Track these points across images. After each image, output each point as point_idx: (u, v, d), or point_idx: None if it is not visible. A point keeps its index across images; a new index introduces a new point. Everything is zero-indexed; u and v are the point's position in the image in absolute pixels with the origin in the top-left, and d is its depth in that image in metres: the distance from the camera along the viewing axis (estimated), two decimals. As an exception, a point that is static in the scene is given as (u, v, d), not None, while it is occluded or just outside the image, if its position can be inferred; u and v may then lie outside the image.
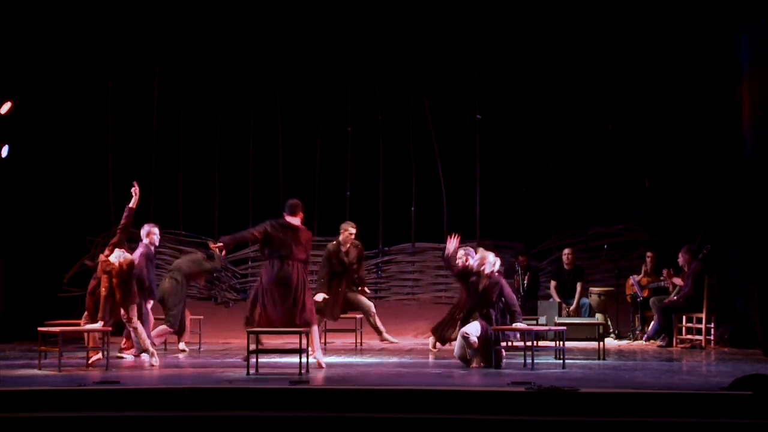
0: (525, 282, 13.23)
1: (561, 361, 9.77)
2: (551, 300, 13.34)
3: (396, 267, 15.11)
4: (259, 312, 9.46)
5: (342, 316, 12.00)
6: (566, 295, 13.30)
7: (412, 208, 14.89)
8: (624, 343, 13.03)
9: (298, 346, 9.07)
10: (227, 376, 8.81)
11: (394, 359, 10.59)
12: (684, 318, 12.29)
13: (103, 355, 9.92)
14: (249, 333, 9.48)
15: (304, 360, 8.97)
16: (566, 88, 14.86)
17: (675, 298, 12.44)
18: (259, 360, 9.23)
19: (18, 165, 12.82)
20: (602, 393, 7.53)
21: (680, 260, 12.61)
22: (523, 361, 9.88)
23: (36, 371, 9.29)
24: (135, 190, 10.10)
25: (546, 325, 12.04)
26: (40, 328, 9.71)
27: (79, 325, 10.30)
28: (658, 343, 12.40)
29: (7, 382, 8.25)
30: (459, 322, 10.29)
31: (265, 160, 15.09)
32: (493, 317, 9.77)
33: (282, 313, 9.39)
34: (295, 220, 9.67)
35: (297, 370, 8.94)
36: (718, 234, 13.20)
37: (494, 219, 15.06)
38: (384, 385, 8.30)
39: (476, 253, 10.16)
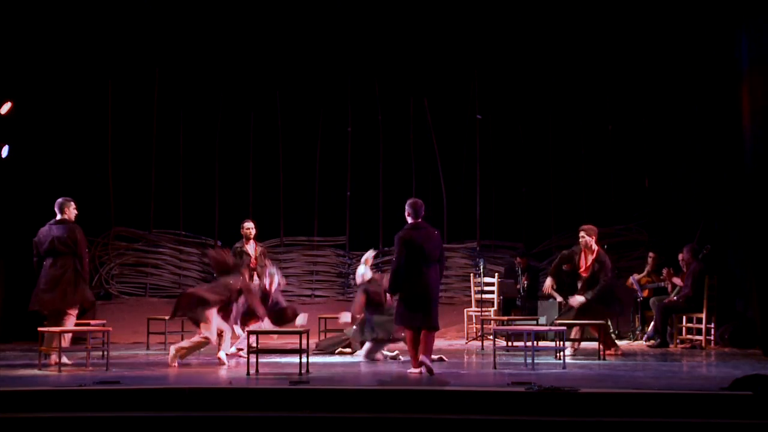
0: (525, 282, 13.22)
1: (561, 361, 9.77)
2: (551, 300, 13.33)
3: (396, 267, 15.10)
4: None
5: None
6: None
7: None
8: (624, 343, 13.02)
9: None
10: (227, 376, 8.82)
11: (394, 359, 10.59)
12: (684, 318, 12.29)
13: (103, 354, 9.93)
14: (249, 333, 9.49)
15: (304, 360, 8.98)
16: (566, 88, 14.86)
17: (675, 298, 12.44)
18: (259, 360, 9.24)
19: (18, 165, 12.83)
20: (602, 393, 7.54)
21: (681, 259, 12.61)
22: (523, 360, 9.89)
23: (36, 371, 9.30)
24: None
25: (546, 325, 12.04)
26: (40, 328, 9.72)
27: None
28: (650, 342, 12.41)
29: (7, 382, 8.26)
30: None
31: (265, 160, 15.08)
32: None
33: None
34: None
35: (297, 370, 8.94)
36: (718, 234, 13.20)
37: (494, 219, 15.06)
38: (384, 386, 8.31)
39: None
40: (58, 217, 10.09)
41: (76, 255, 10.01)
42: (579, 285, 11.11)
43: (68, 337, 9.89)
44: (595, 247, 11.06)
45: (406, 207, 9.40)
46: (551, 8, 14.35)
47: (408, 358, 9.76)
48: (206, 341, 9.86)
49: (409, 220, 9.36)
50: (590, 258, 11.04)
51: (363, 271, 10.96)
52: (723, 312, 12.34)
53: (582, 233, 11.11)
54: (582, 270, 11.08)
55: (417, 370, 9.07)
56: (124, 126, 14.67)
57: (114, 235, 14.62)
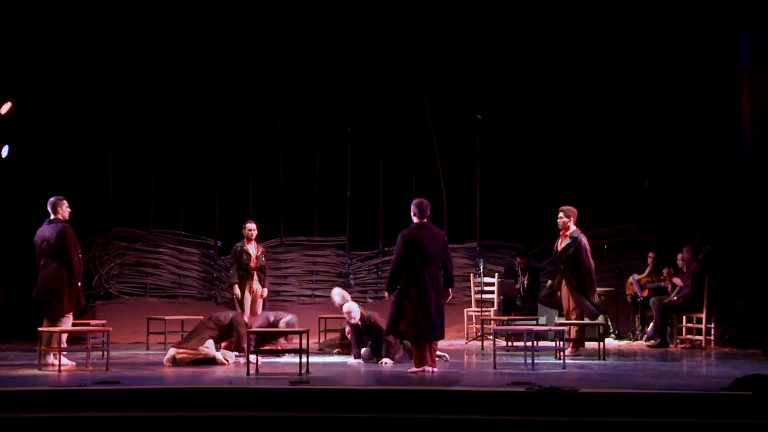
0: (525, 282, 13.21)
1: (561, 361, 9.77)
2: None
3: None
4: None
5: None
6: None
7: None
8: (624, 343, 13.03)
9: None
10: (227, 376, 8.82)
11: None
12: (684, 318, 12.29)
13: (103, 354, 9.94)
14: (248, 333, 9.49)
15: (304, 360, 8.97)
16: (566, 88, 14.86)
17: (675, 298, 12.44)
18: (259, 360, 9.25)
19: (18, 165, 12.83)
20: (602, 393, 7.53)
21: (680, 260, 12.61)
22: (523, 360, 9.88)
23: (36, 371, 9.30)
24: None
25: (546, 325, 12.03)
26: (40, 328, 9.71)
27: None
28: (650, 342, 12.41)
29: (7, 382, 8.26)
30: None
31: (265, 160, 15.08)
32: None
33: None
34: None
35: (297, 370, 8.94)
36: (718, 234, 13.21)
37: (494, 219, 15.06)
38: (384, 386, 8.31)
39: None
40: (51, 216, 10.02)
41: (64, 256, 9.87)
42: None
43: (65, 337, 9.84)
44: (573, 227, 11.01)
45: (412, 206, 9.34)
46: (551, 8, 14.36)
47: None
48: (206, 355, 9.90)
49: (415, 219, 9.31)
50: (566, 237, 11.00)
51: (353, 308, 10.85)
52: (723, 312, 12.34)
53: (561, 214, 11.09)
54: (559, 251, 11.06)
55: (418, 370, 9.07)
56: (124, 126, 14.67)
57: (114, 235, 14.61)
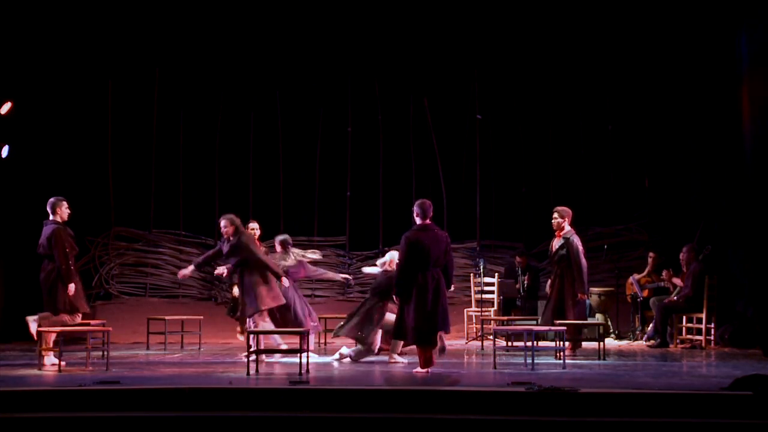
0: (525, 282, 13.21)
1: (561, 361, 9.77)
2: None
3: (396, 267, 15.08)
4: None
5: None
6: None
7: (413, 208, 14.89)
8: (624, 343, 13.03)
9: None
10: (227, 376, 8.82)
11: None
12: (684, 318, 12.29)
13: (103, 354, 9.93)
14: (249, 333, 9.50)
15: (303, 360, 8.98)
16: (566, 88, 14.86)
17: (675, 298, 12.45)
18: (259, 360, 9.25)
19: (18, 165, 12.83)
20: (602, 393, 7.54)
21: (682, 259, 12.61)
22: (523, 360, 9.89)
23: (36, 371, 9.30)
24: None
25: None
26: (40, 328, 9.71)
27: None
28: (650, 342, 12.41)
29: (7, 382, 8.26)
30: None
31: (265, 160, 15.08)
32: None
33: None
34: None
35: (297, 370, 8.94)
36: (718, 234, 13.21)
37: (494, 219, 15.06)
38: (384, 386, 8.31)
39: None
40: (50, 218, 10.00)
41: (53, 258, 9.80)
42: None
43: (52, 337, 9.68)
44: (567, 228, 10.99)
45: (414, 207, 9.30)
46: (551, 8, 14.36)
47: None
48: None
49: (417, 221, 9.27)
50: (560, 238, 10.99)
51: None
52: (723, 312, 12.35)
53: (555, 214, 11.06)
54: (553, 252, 11.05)
55: (424, 370, 9.06)
56: (124, 126, 14.67)
57: (114, 235, 14.61)
